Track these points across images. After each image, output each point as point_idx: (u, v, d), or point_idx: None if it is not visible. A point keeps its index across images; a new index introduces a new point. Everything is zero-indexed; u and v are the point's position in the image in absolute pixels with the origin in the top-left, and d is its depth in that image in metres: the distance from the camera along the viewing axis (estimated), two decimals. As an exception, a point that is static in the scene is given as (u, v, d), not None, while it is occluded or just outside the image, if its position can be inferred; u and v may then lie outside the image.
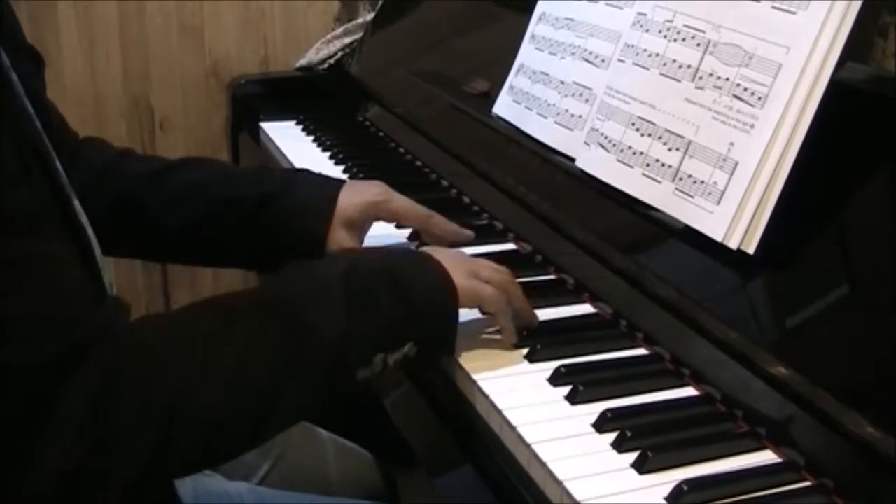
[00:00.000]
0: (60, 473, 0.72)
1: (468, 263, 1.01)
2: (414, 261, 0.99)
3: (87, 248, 0.89)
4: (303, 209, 1.18)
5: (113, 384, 0.74)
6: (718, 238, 0.98)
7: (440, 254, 1.00)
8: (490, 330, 1.03)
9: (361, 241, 1.20)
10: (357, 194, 1.19)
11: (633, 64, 1.16)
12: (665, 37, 1.12)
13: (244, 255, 1.23)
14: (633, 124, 1.13)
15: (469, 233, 1.25)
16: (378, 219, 1.22)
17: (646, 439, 0.86)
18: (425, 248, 1.04)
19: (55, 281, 0.75)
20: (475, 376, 0.97)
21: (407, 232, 1.31)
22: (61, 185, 0.87)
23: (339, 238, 1.17)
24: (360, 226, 1.19)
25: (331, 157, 1.69)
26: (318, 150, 1.75)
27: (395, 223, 1.29)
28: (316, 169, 1.60)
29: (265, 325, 0.86)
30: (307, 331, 0.86)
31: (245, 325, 0.85)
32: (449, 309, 0.96)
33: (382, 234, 1.28)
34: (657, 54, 1.12)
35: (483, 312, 1.03)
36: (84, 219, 0.91)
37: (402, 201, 1.21)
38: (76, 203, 0.93)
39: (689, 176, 1.04)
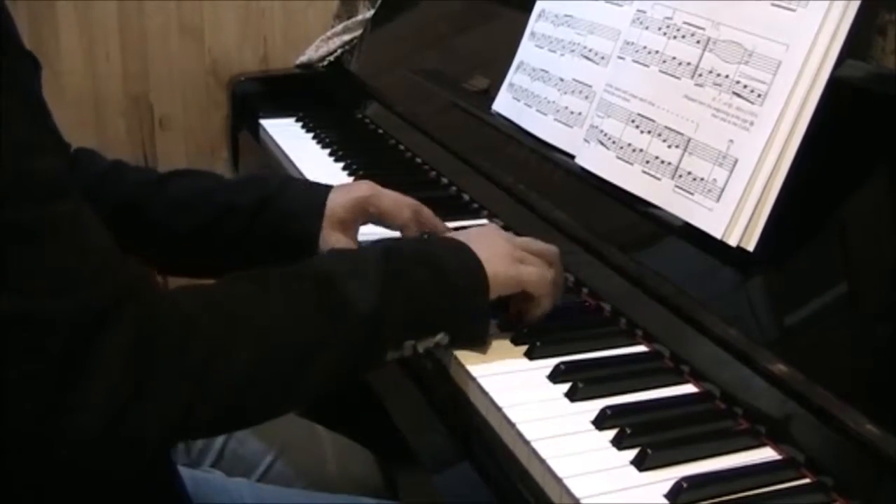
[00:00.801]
0: (97, 424, 0.72)
1: (511, 248, 1.01)
2: (451, 249, 0.99)
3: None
4: (295, 212, 1.19)
5: (148, 336, 0.75)
6: (718, 235, 0.98)
7: (479, 241, 1.00)
8: (491, 329, 1.03)
9: (354, 241, 1.20)
10: (345, 194, 1.20)
11: (633, 61, 1.16)
12: (664, 34, 1.12)
13: (240, 262, 1.23)
14: (633, 121, 1.13)
15: (444, 229, 1.24)
16: (367, 215, 1.21)
17: (645, 437, 0.86)
18: (468, 234, 1.04)
19: (88, 237, 0.76)
20: (474, 373, 0.97)
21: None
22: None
23: (331, 239, 1.17)
24: (350, 225, 1.19)
25: (330, 155, 1.69)
26: (318, 147, 1.75)
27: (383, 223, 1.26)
28: (316, 166, 1.62)
29: (301, 292, 0.87)
30: (342, 303, 0.88)
31: (281, 290, 0.87)
32: (482, 295, 0.97)
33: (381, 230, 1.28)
34: (657, 51, 1.12)
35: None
36: None
37: (388, 199, 1.21)
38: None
39: (689, 173, 1.04)
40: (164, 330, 0.77)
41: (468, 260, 0.97)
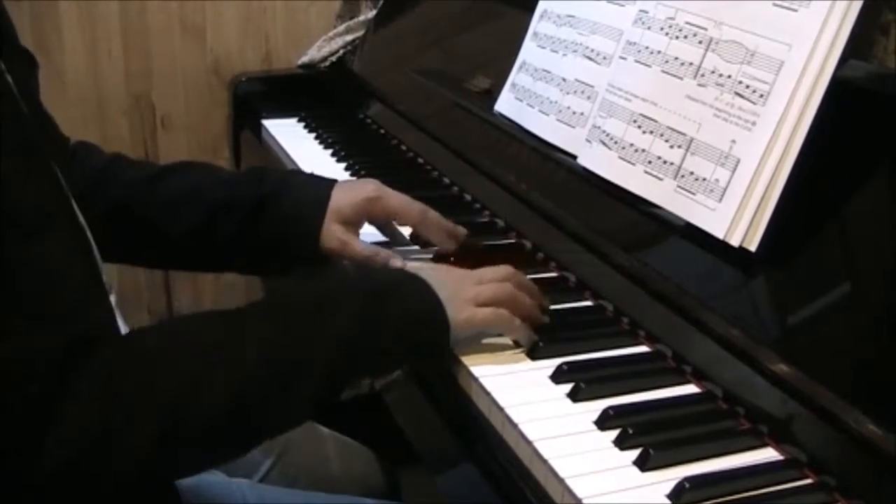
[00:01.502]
0: (62, 464, 0.74)
1: (467, 289, 0.99)
2: (412, 286, 0.97)
3: (87, 248, 0.90)
4: (298, 209, 1.18)
5: (116, 379, 0.76)
6: (720, 235, 0.98)
7: (440, 277, 0.99)
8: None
9: (356, 237, 1.19)
10: (351, 192, 1.20)
11: (635, 61, 1.16)
12: (667, 34, 1.12)
13: (242, 259, 1.24)
14: (635, 121, 1.13)
15: (462, 230, 1.24)
16: (372, 216, 1.21)
17: (648, 437, 0.86)
18: (426, 271, 1.02)
19: (58, 279, 0.76)
20: (477, 373, 0.97)
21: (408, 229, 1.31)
22: (61, 186, 0.88)
23: (334, 234, 1.17)
24: (354, 223, 1.19)
25: (332, 155, 1.69)
26: (320, 147, 1.75)
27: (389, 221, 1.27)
28: (318, 166, 1.61)
29: (267, 336, 0.87)
30: (305, 348, 0.88)
31: (246, 334, 0.87)
32: (442, 336, 0.96)
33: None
34: (659, 52, 1.12)
35: None
36: (82, 220, 0.92)
37: (396, 199, 1.20)
38: (74, 204, 0.93)
39: (691, 173, 1.04)
40: (133, 370, 0.78)
41: (431, 303, 0.96)
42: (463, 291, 0.99)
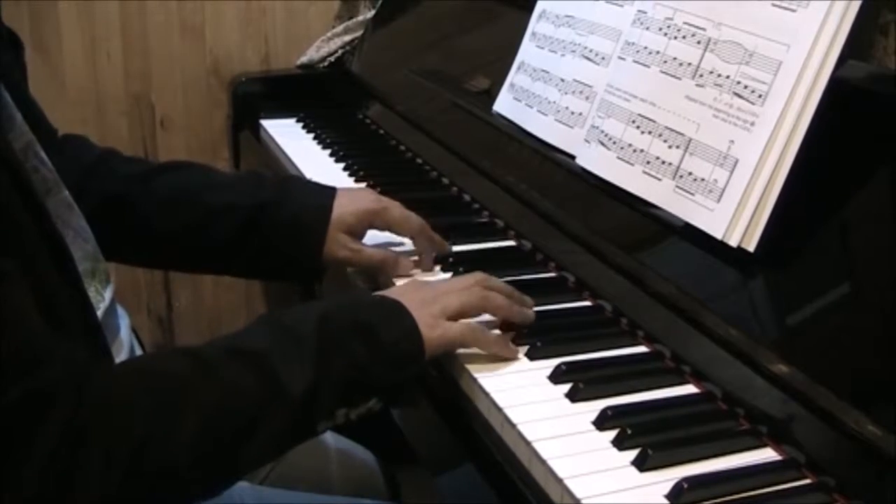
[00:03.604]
0: None
1: (434, 305, 0.98)
2: (386, 313, 0.96)
3: (62, 256, 0.88)
4: (300, 219, 1.18)
5: (77, 430, 0.74)
6: (719, 236, 0.98)
7: (409, 299, 0.97)
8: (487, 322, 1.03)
9: (360, 244, 1.20)
10: (353, 201, 1.20)
11: (634, 62, 1.16)
12: (665, 34, 1.12)
13: (237, 264, 1.23)
14: (634, 122, 1.13)
15: (449, 250, 1.24)
16: (373, 227, 1.21)
17: (646, 437, 0.86)
18: (397, 292, 1.01)
19: (11, 330, 0.74)
20: (476, 374, 0.97)
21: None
22: (33, 192, 0.85)
23: (342, 243, 1.17)
24: (357, 232, 1.20)
25: (331, 155, 1.69)
26: (319, 147, 1.75)
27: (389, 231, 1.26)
28: (316, 167, 1.62)
29: (236, 378, 0.86)
30: (276, 387, 0.86)
31: (216, 376, 0.85)
32: (417, 360, 0.95)
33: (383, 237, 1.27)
34: (657, 52, 1.12)
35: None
36: (74, 210, 0.90)
37: (397, 211, 1.21)
38: (65, 195, 0.91)
39: (690, 173, 1.04)
40: (94, 420, 0.76)
41: (406, 327, 0.95)
42: (430, 306, 0.97)
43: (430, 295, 0.99)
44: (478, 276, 1.04)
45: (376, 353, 0.92)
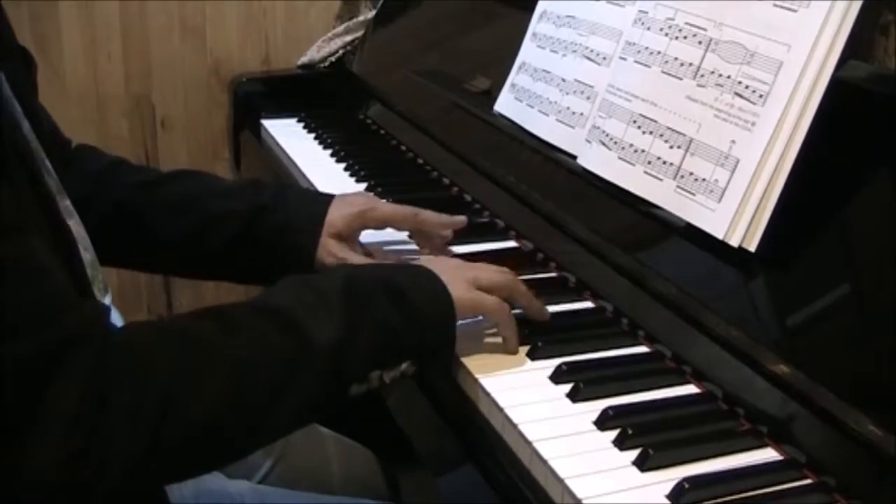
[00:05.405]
0: (49, 470, 0.72)
1: (467, 272, 1.00)
2: (413, 274, 0.98)
3: (72, 251, 0.89)
4: (292, 225, 1.19)
5: (102, 381, 0.74)
6: (720, 236, 0.98)
7: (439, 265, 1.00)
8: (491, 330, 1.03)
9: (354, 250, 1.20)
10: (343, 207, 1.20)
11: (635, 62, 1.16)
12: (666, 35, 1.12)
13: (235, 269, 1.24)
14: (635, 122, 1.13)
15: (462, 218, 1.25)
16: (366, 227, 1.22)
17: (647, 437, 0.86)
18: (424, 259, 1.04)
19: (38, 279, 0.75)
20: (477, 374, 0.97)
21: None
22: (46, 189, 0.87)
23: (329, 250, 1.18)
24: (348, 237, 1.20)
25: (332, 155, 1.69)
26: (320, 148, 1.75)
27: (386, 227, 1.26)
28: (317, 167, 1.62)
29: (262, 334, 0.85)
30: (304, 343, 0.86)
31: (242, 333, 0.85)
32: (448, 323, 0.95)
33: (384, 234, 1.27)
34: (659, 52, 1.12)
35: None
36: (75, 219, 0.91)
37: (386, 207, 1.22)
38: (67, 204, 0.92)
39: (691, 174, 1.04)
40: (118, 374, 0.75)
41: (434, 287, 0.96)
42: (462, 273, 0.99)
43: (462, 264, 1.03)
44: (505, 269, 1.05)
45: (405, 313, 0.92)
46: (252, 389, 0.83)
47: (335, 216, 1.19)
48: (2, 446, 0.71)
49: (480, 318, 1.02)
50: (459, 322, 0.97)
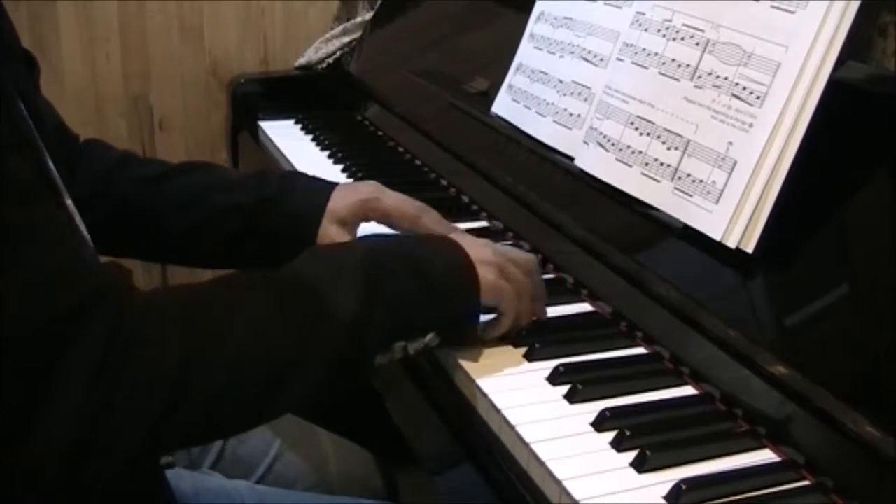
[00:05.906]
0: (66, 434, 0.71)
1: (497, 257, 0.99)
2: (435, 246, 0.97)
3: (75, 227, 0.89)
4: (297, 214, 1.18)
5: (120, 345, 0.73)
6: (717, 237, 0.98)
7: (467, 241, 0.99)
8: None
9: (353, 237, 1.19)
10: (348, 193, 1.19)
11: (632, 63, 1.16)
12: (664, 36, 1.12)
13: (243, 259, 1.24)
14: (632, 123, 1.13)
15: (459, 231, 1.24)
16: (368, 218, 1.20)
17: (645, 438, 0.86)
18: (453, 235, 1.03)
19: (60, 241, 0.75)
20: (474, 375, 0.97)
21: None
22: (54, 182, 0.87)
23: (329, 235, 1.17)
24: (350, 223, 1.19)
25: (330, 157, 1.69)
26: (317, 149, 1.75)
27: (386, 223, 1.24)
28: (315, 168, 1.61)
29: (280, 301, 0.85)
30: (323, 309, 0.85)
31: (259, 299, 0.84)
32: (471, 294, 0.95)
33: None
34: (656, 53, 1.12)
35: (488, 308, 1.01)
36: (77, 217, 0.92)
37: (391, 200, 1.19)
38: (69, 201, 0.93)
39: (688, 175, 1.04)
40: (136, 338, 0.74)
41: (456, 260, 0.95)
42: (486, 249, 0.98)
43: (494, 250, 1.00)
44: (535, 263, 1.05)
45: (426, 285, 0.92)
46: (268, 358, 0.82)
47: (339, 204, 1.18)
48: (11, 417, 0.70)
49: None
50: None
